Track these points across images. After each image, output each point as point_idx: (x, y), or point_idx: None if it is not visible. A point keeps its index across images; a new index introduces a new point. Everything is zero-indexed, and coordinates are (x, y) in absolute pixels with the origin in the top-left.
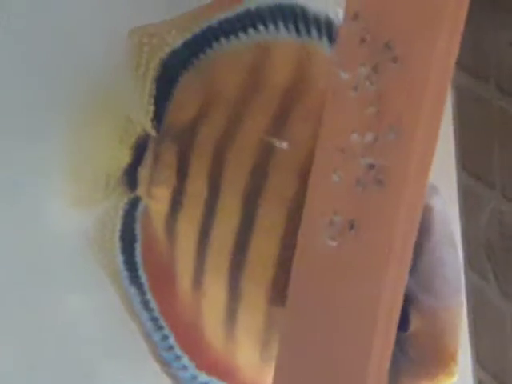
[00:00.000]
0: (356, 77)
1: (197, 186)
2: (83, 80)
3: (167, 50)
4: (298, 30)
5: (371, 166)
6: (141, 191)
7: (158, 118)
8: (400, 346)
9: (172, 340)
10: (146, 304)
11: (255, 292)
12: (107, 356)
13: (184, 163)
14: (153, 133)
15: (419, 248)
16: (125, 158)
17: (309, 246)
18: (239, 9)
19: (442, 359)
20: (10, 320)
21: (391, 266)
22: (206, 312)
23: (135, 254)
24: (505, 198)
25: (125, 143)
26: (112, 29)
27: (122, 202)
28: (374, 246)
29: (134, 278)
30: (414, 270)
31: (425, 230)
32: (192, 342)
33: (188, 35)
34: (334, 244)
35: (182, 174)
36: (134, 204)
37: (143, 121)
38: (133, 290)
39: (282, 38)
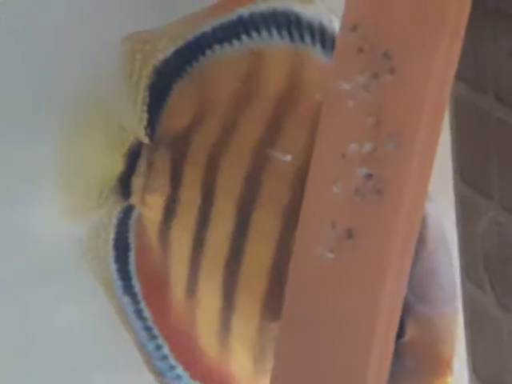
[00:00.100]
0: (354, 86)
1: (190, 194)
2: (75, 88)
3: (160, 57)
4: (291, 37)
5: (370, 176)
6: (134, 199)
7: (151, 125)
8: (395, 354)
9: (166, 349)
10: (139, 313)
11: (249, 301)
12: (101, 366)
13: (178, 171)
14: (146, 141)
15: (414, 255)
16: (118, 166)
17: (305, 257)
18: (232, 15)
19: (437, 367)
20: (3, 329)
21: (389, 277)
22: (200, 321)
23: (129, 263)
24: (503, 209)
25: (118, 151)
26: (104, 36)
27: (115, 210)
28: (373, 256)
29: (128, 287)
30: (408, 277)
31: (419, 237)
32: (186, 352)
33: (181, 42)
34: (332, 256)
35: (175, 181)
36: (127, 212)
37: (136, 128)
38: (126, 300)
39: (275, 44)
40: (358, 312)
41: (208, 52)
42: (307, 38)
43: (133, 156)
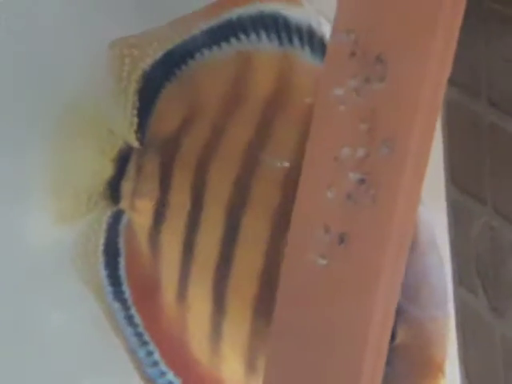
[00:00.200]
0: (346, 91)
1: (180, 198)
2: (64, 93)
3: (149, 61)
4: (280, 40)
5: (363, 181)
6: (124, 204)
7: (141, 129)
8: (386, 358)
9: (157, 355)
10: (130, 319)
11: (240, 305)
12: (91, 372)
13: (167, 175)
14: (136, 145)
15: None
16: (107, 170)
17: (297, 262)
18: (221, 18)
19: (429, 370)
20: None
21: (383, 282)
22: (191, 326)
23: (119, 268)
24: (496, 214)
25: (107, 156)
26: (93, 41)
27: (105, 215)
28: (366, 261)
29: (118, 293)
30: None
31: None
32: (177, 358)
33: (170, 46)
34: (324, 262)
35: (165, 185)
36: (117, 217)
37: (126, 133)
38: (117, 305)
39: (263, 47)
40: (350, 318)
41: (197, 55)
42: (296, 40)
43: (122, 160)
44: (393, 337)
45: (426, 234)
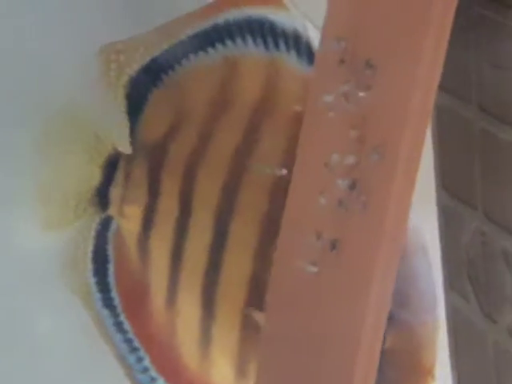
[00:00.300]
0: (335, 98)
1: (168, 204)
2: (52, 99)
3: (135, 67)
4: (266, 44)
5: (353, 187)
6: (112, 210)
7: (130, 135)
8: None
9: (147, 362)
10: (119, 326)
11: (229, 311)
12: (80, 379)
13: (155, 181)
14: (128, 151)
15: None
16: (95, 177)
17: (287, 269)
18: (207, 24)
19: (419, 375)
20: None
21: (374, 288)
22: (180, 331)
23: (108, 275)
24: (487, 219)
25: (95, 162)
26: (82, 47)
27: (93, 222)
28: (357, 268)
29: (107, 300)
30: None
31: None
32: (167, 363)
33: (156, 52)
34: (315, 269)
35: (153, 191)
36: (105, 224)
37: (116, 139)
38: (106, 312)
39: (249, 52)
40: (342, 325)
41: (183, 61)
42: (282, 45)
43: (110, 167)
44: (382, 342)
45: (415, 239)
